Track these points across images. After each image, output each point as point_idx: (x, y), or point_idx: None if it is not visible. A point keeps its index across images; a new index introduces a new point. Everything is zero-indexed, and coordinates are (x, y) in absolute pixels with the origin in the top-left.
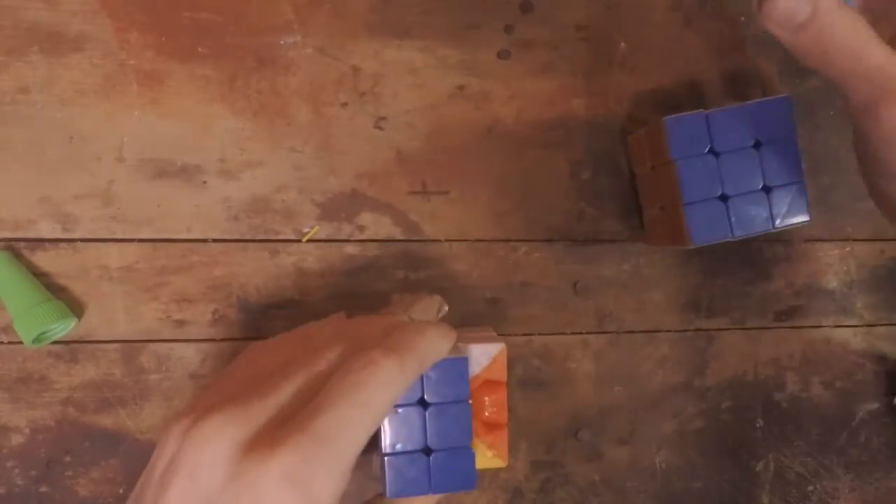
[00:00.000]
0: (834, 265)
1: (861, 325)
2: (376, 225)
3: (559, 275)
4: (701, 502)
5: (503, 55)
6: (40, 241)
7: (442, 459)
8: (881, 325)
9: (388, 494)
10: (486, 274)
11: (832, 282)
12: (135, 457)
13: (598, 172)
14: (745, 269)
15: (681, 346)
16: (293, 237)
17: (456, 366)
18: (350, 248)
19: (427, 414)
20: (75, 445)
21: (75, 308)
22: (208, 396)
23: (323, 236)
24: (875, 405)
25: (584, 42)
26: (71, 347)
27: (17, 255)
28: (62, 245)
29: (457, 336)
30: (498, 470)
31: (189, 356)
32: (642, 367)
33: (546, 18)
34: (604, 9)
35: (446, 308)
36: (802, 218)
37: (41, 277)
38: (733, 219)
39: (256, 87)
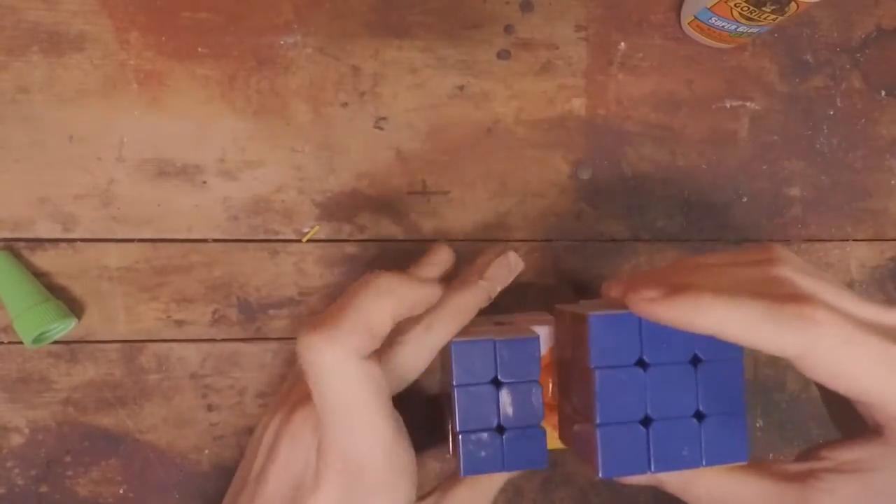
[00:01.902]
0: (834, 265)
1: None
2: (376, 225)
3: (559, 275)
4: None
5: (503, 55)
6: (40, 241)
7: (514, 438)
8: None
9: (462, 472)
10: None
11: None
12: (135, 457)
13: (598, 172)
14: None
15: None
16: (293, 237)
17: (528, 345)
18: (350, 248)
19: (500, 393)
20: (75, 445)
21: (75, 308)
22: (298, 389)
23: (323, 236)
24: None
25: (584, 42)
26: (71, 347)
27: (17, 255)
28: (62, 245)
29: (514, 319)
30: None
31: (189, 356)
32: None
33: (546, 18)
34: (604, 9)
35: (522, 265)
36: (739, 459)
37: (41, 277)
38: (653, 450)
39: (256, 87)
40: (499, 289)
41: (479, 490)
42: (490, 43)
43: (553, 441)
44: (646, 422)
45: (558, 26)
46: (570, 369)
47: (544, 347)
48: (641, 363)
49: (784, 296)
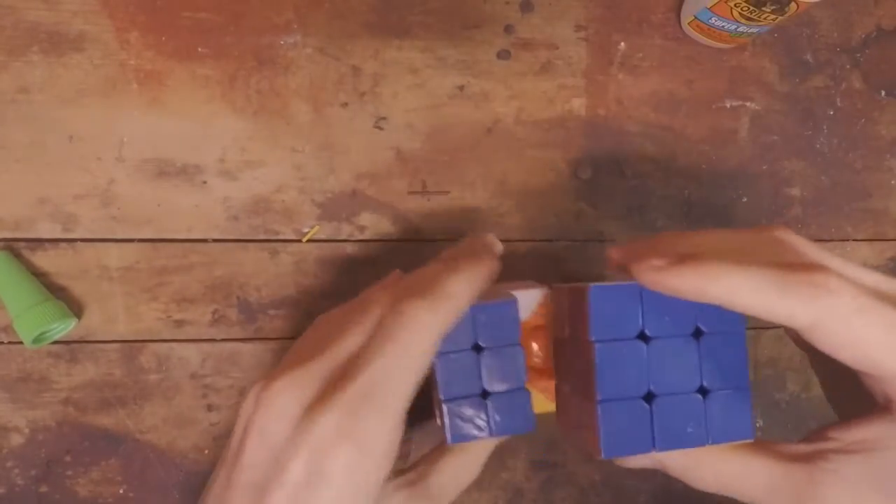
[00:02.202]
0: None
1: None
2: (376, 225)
3: (559, 275)
4: (701, 502)
5: (503, 55)
6: (40, 241)
7: (499, 402)
8: None
9: (449, 440)
10: None
11: None
12: (135, 457)
13: (598, 172)
14: None
15: None
16: (293, 237)
17: (506, 309)
18: (350, 248)
19: (481, 358)
20: (75, 445)
21: (75, 308)
22: (281, 365)
23: (323, 236)
24: None
25: (584, 42)
26: (71, 347)
27: (17, 255)
28: (62, 245)
29: (499, 287)
30: (499, 469)
31: (189, 356)
32: None
33: (546, 18)
34: (604, 9)
35: (500, 246)
36: (744, 436)
37: (41, 277)
38: (657, 428)
39: (256, 87)
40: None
41: (469, 457)
42: (490, 43)
43: (539, 405)
44: (648, 398)
45: (558, 26)
46: (568, 349)
47: (528, 311)
48: (643, 337)
49: (794, 264)
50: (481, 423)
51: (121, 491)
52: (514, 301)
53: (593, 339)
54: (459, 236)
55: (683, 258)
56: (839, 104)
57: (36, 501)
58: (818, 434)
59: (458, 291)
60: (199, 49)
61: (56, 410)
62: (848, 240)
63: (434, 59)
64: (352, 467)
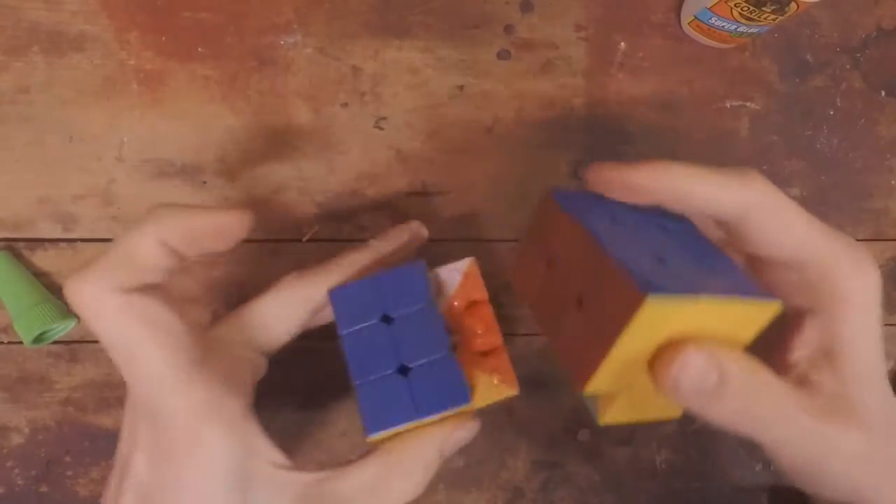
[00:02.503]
0: None
1: None
2: (376, 225)
3: None
4: (701, 502)
5: (503, 55)
6: (40, 241)
7: (422, 375)
8: (882, 325)
9: (368, 432)
10: (486, 274)
11: None
12: None
13: None
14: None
15: None
16: (293, 237)
17: (411, 271)
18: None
19: (393, 329)
20: (75, 445)
21: None
22: None
23: (323, 236)
24: None
25: (584, 42)
26: (71, 347)
27: (17, 255)
28: (62, 245)
29: None
30: (499, 469)
31: None
32: None
33: (546, 18)
34: (604, 9)
35: (424, 232)
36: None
37: (41, 277)
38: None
39: (256, 87)
40: (388, 248)
41: (395, 465)
42: (490, 43)
43: (491, 392)
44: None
45: (558, 26)
46: (550, 271)
47: (453, 284)
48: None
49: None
50: (404, 403)
51: None
52: (420, 262)
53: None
54: (459, 236)
55: (634, 163)
56: (839, 104)
57: (36, 501)
58: (780, 358)
59: (335, 266)
60: (199, 49)
61: (56, 410)
62: None
63: (434, 59)
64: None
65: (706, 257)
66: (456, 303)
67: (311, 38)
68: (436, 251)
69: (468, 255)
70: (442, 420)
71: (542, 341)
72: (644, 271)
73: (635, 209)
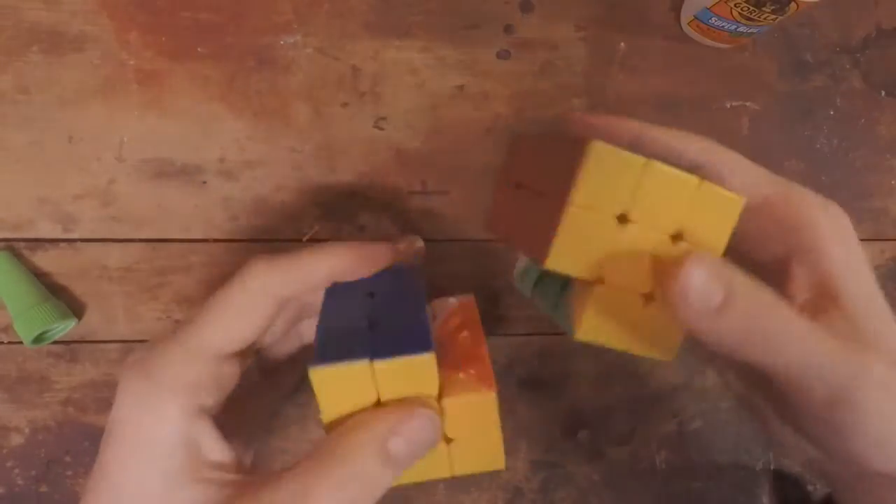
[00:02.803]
0: None
1: None
2: (376, 225)
3: None
4: (701, 502)
5: (503, 55)
6: (40, 241)
7: (388, 326)
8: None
9: (317, 358)
10: (486, 274)
11: None
12: None
13: None
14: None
15: (681, 345)
16: (293, 237)
17: (408, 269)
18: None
19: (373, 301)
20: (75, 445)
21: (75, 308)
22: None
23: (323, 236)
24: None
25: (584, 42)
26: (71, 347)
27: (18, 255)
28: (62, 245)
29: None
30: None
31: None
32: (642, 367)
33: (546, 18)
34: (604, 9)
35: (420, 244)
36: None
37: (41, 277)
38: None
39: (256, 87)
40: (372, 250)
41: (360, 447)
42: (490, 43)
43: (459, 387)
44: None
45: (558, 26)
46: (529, 153)
47: (443, 313)
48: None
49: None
50: (362, 343)
51: None
52: (417, 266)
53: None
54: (459, 236)
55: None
56: (839, 104)
57: (36, 501)
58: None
59: (309, 259)
60: (199, 49)
61: (56, 410)
62: None
63: (434, 59)
64: (137, 390)
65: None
66: (449, 323)
67: (311, 38)
68: (436, 251)
69: (467, 255)
70: (394, 407)
71: (542, 341)
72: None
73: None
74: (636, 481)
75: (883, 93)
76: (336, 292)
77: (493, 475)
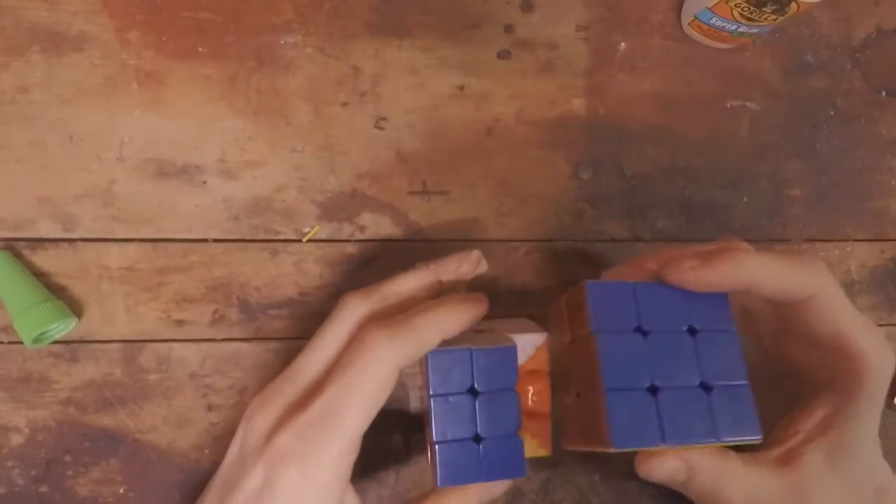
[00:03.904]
0: (834, 265)
1: None
2: (376, 225)
3: (559, 275)
4: None
5: (503, 55)
6: (40, 241)
7: (492, 447)
8: (881, 325)
9: (438, 482)
10: (486, 274)
11: None
12: (135, 457)
13: (598, 172)
14: None
15: None
16: (293, 237)
17: (505, 354)
18: (350, 248)
19: (477, 403)
20: (75, 445)
21: (75, 308)
22: (274, 379)
23: (323, 236)
24: None
25: (584, 42)
26: (71, 347)
27: (18, 255)
28: (62, 245)
29: (495, 326)
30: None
31: (189, 356)
32: None
33: (546, 18)
34: (604, 9)
35: (485, 265)
36: (753, 436)
37: (41, 277)
38: (664, 420)
39: (256, 87)
40: (447, 276)
41: (468, 496)
42: (490, 43)
43: (527, 450)
44: (653, 390)
45: (558, 26)
46: (570, 357)
47: (523, 356)
48: (641, 331)
49: (783, 250)
50: (472, 467)
51: (121, 491)
52: (513, 347)
53: (593, 328)
54: (459, 236)
55: (709, 255)
56: (839, 104)
57: (36, 501)
58: (782, 433)
59: (426, 331)
60: (199, 49)
61: (56, 410)
62: (848, 240)
63: (434, 59)
64: (296, 486)
65: (719, 377)
66: (524, 366)
67: (311, 37)
68: (436, 251)
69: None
70: None
71: None
72: (621, 418)
73: (669, 300)
74: (636, 481)
75: (883, 93)
76: (439, 366)
77: None
